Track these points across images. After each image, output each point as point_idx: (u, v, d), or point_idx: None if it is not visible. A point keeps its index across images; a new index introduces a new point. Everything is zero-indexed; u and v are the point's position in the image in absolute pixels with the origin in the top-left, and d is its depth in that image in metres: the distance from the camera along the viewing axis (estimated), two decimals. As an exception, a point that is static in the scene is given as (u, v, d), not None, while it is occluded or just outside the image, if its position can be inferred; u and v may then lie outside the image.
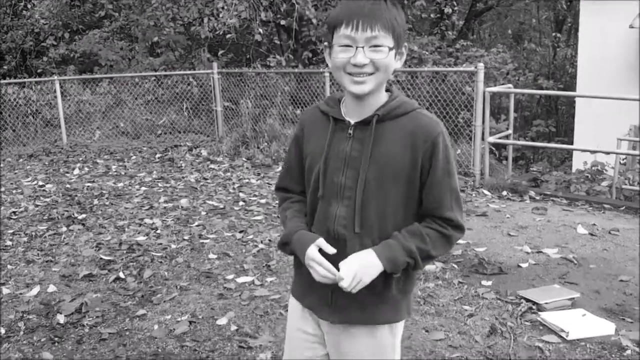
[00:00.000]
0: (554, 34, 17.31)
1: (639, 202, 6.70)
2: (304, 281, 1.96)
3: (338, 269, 1.80)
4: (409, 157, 1.80)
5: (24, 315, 4.12)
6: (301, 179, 2.01)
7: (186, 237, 5.62)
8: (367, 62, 1.74)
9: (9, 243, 5.64)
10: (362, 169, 1.81)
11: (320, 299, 1.94)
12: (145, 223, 6.11)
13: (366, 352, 1.96)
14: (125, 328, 3.90)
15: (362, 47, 1.73)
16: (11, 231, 6.00)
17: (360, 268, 1.78)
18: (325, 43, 1.86)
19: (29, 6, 14.81)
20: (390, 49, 1.75)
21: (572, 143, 10.85)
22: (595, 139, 8.26)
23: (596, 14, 10.40)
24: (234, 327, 3.83)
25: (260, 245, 5.31)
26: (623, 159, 8.22)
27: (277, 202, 2.11)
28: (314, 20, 10.69)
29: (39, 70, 14.60)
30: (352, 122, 1.85)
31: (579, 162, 8.90)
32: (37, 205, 6.96)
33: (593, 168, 7.77)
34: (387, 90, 1.89)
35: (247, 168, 8.61)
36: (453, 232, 1.86)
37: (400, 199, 1.84)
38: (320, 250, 1.85)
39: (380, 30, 1.72)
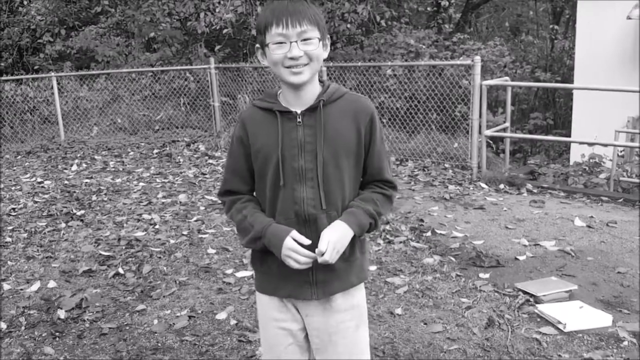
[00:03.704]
0: (551, 25, 17.28)
1: (638, 194, 6.71)
2: (275, 274, 2.11)
3: (315, 247, 1.97)
4: (354, 132, 2.05)
5: (25, 310, 4.15)
6: (249, 179, 2.15)
7: (185, 232, 5.64)
8: (301, 54, 1.94)
9: (8, 239, 5.66)
10: (319, 150, 2.01)
11: (302, 280, 2.08)
12: (143, 219, 6.12)
13: (347, 317, 2.15)
14: (125, 323, 3.92)
15: (296, 42, 1.93)
16: (11, 227, 6.02)
17: (338, 239, 1.98)
18: (257, 45, 2.05)
19: (25, 2, 14.77)
20: (319, 40, 1.97)
21: (570, 135, 10.86)
22: (593, 131, 8.27)
23: (594, 5, 10.40)
24: (233, 322, 3.85)
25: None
26: (621, 151, 8.24)
27: (224, 206, 2.24)
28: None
29: (35, 67, 14.55)
30: (299, 111, 2.03)
31: (576, 154, 8.92)
32: (36, 202, 6.97)
33: (591, 160, 7.78)
34: (320, 81, 2.10)
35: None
36: (392, 192, 2.16)
37: (352, 170, 2.08)
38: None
39: (308, 25, 1.94)
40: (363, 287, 2.21)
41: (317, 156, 2.00)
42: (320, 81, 2.10)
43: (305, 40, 1.93)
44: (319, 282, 2.07)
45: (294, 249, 1.97)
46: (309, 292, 2.08)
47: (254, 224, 2.05)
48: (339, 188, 2.04)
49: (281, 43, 1.93)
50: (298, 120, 2.02)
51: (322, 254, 1.94)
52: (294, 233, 1.99)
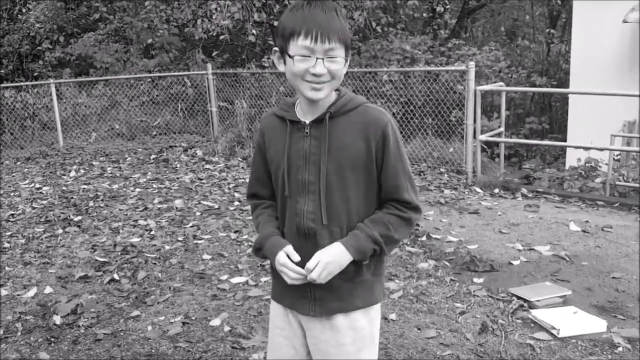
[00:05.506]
0: (548, 29, 17.27)
1: (637, 199, 6.71)
2: (282, 282, 2.03)
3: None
4: (364, 147, 1.92)
5: (22, 316, 4.16)
6: (269, 184, 2.11)
7: (180, 238, 5.65)
8: (325, 72, 1.84)
9: (6, 245, 5.68)
10: (322, 163, 1.93)
11: (300, 294, 2.02)
12: (139, 224, 6.14)
13: (348, 340, 2.04)
14: (120, 329, 3.93)
15: (322, 59, 1.83)
16: (9, 233, 6.04)
17: (329, 259, 1.89)
18: (276, 48, 1.94)
19: (24, 10, 14.80)
20: (344, 59, 1.88)
21: (566, 140, 10.86)
22: (589, 135, 8.27)
23: (590, 9, 10.39)
24: (227, 328, 3.86)
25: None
26: (617, 155, 8.25)
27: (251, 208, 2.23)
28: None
29: (35, 74, 14.59)
30: (307, 122, 1.96)
31: (572, 159, 8.92)
32: (34, 208, 6.99)
33: (587, 165, 7.79)
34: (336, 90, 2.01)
35: (242, 168, 8.64)
36: (412, 214, 1.99)
37: (360, 187, 1.96)
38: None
39: (336, 42, 1.83)
40: (373, 311, 2.08)
41: (320, 169, 1.93)
42: (337, 90, 2.00)
43: (331, 58, 1.83)
44: (316, 299, 2.00)
45: (284, 264, 1.94)
46: (307, 308, 2.03)
47: (259, 233, 2.05)
48: (343, 204, 1.94)
49: (306, 56, 1.83)
50: (306, 131, 1.95)
51: (310, 271, 1.89)
52: (288, 248, 1.95)
